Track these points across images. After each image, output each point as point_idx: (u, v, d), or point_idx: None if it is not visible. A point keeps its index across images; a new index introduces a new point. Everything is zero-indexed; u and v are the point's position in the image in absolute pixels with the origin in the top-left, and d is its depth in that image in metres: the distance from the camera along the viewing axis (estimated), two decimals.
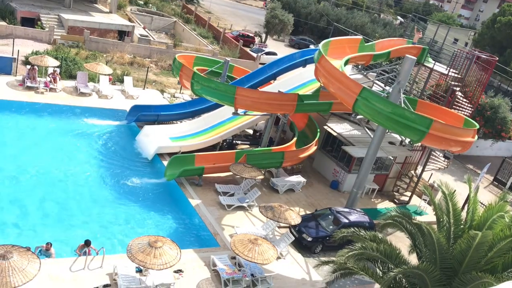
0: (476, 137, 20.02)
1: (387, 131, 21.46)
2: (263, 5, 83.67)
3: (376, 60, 24.86)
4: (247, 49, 45.38)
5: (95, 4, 42.52)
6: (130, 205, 19.60)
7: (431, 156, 26.09)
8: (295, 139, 25.25)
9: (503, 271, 13.34)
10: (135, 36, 39.63)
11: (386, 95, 21.06)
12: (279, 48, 53.30)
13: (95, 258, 15.44)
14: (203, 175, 21.82)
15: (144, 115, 25.86)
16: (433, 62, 26.74)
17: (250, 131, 28.81)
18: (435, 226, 15.04)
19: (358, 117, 22.07)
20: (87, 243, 15.72)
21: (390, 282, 13.42)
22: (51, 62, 27.02)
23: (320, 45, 21.40)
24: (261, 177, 21.23)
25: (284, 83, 27.33)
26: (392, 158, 25.46)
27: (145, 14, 49.10)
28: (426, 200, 25.73)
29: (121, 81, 30.34)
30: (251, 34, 54.75)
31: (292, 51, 41.53)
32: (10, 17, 34.68)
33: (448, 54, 27.62)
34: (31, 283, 11.88)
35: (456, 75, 26.11)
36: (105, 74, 28.56)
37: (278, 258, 17.99)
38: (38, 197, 18.51)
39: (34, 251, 13.54)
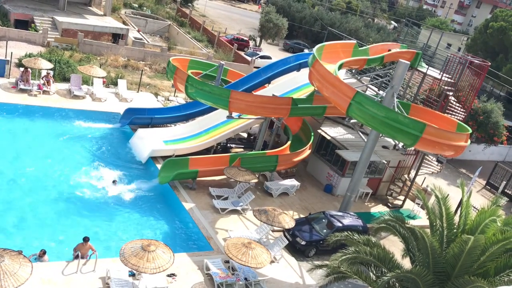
0: (469, 141, 20.12)
1: (380, 135, 21.54)
2: (258, 9, 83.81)
3: (370, 64, 24.97)
4: (242, 53, 45.38)
5: (89, 7, 42.41)
6: (123, 208, 19.52)
7: (424, 160, 26.21)
8: (289, 142, 25.29)
9: (496, 275, 13.41)
10: (129, 39, 39.54)
11: (379, 99, 21.14)
12: (274, 52, 53.37)
13: (88, 261, 15.35)
14: (197, 179, 21.80)
15: (138, 118, 25.77)
16: (427, 66, 26.88)
17: (245, 135, 28.81)
18: (428, 230, 15.08)
19: (352, 121, 22.14)
20: (85, 239, 15.60)
21: (384, 286, 13.43)
22: (45, 65, 26.92)
23: (314, 49, 21.46)
24: (255, 180, 21.20)
25: (278, 87, 27.36)
26: (385, 162, 25.56)
27: (140, 17, 48.99)
28: (419, 204, 25.83)
29: (115, 84, 30.26)
30: (245, 38, 54.77)
31: (287, 55, 41.74)
32: (3, 19, 34.51)
33: (441, 59, 27.79)
34: (23, 287, 11.77)
35: (449, 79, 26.28)
36: (99, 77, 28.48)
37: (272, 262, 17.96)
38: (29, 200, 18.37)
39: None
